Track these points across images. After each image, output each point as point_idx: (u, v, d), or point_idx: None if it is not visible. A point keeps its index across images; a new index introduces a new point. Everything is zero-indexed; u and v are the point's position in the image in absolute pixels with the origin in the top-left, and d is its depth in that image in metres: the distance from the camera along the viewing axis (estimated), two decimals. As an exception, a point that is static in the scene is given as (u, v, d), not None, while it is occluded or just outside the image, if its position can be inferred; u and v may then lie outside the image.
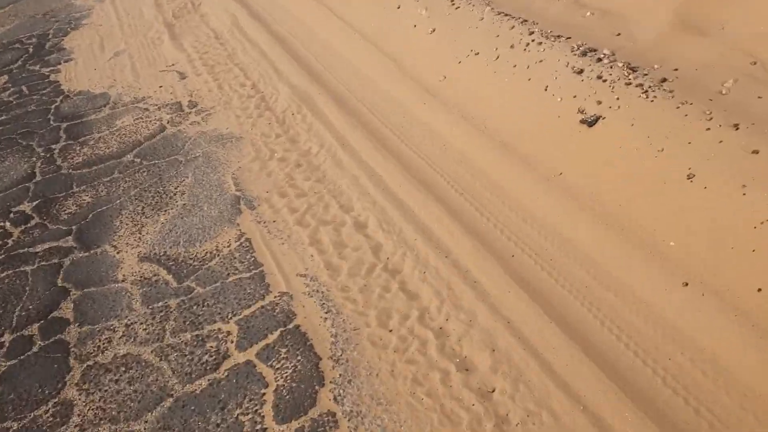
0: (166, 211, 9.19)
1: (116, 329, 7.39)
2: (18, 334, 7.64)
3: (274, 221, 8.47)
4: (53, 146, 11.66)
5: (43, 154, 11.42)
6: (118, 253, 8.56)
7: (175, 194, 9.51)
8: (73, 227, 9.29)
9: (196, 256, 8.23)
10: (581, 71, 7.91)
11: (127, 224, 9.07)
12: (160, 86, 13.07)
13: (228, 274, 7.84)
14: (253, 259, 7.99)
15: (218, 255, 8.17)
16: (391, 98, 10.31)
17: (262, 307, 7.26)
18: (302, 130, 10.34)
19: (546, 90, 8.17)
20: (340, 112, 10.50)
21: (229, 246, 8.27)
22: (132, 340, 7.21)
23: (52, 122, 12.63)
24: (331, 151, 9.61)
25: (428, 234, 7.59)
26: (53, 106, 13.29)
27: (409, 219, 7.87)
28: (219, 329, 7.07)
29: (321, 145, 9.81)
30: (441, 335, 6.37)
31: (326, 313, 6.94)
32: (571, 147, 7.40)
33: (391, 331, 6.51)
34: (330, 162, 9.38)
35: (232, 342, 6.91)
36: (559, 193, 7.28)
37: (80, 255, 8.71)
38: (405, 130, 9.52)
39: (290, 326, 6.91)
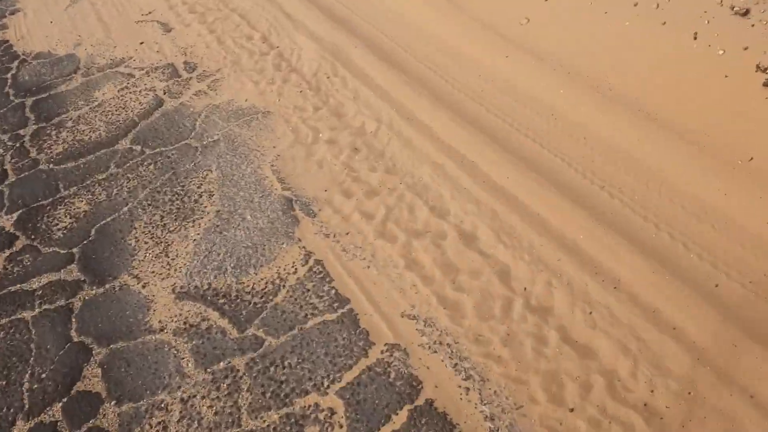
0: (194, 221, 7.13)
1: (170, 407, 5.55)
2: (36, 420, 5.77)
3: (347, 233, 6.52)
4: (21, 132, 9.39)
5: (10, 143, 9.14)
6: (143, 287, 6.57)
7: (200, 196, 7.43)
8: (75, 250, 7.22)
9: (253, 288, 6.30)
10: (747, 12, 6.00)
11: (145, 242, 7.03)
12: (141, 43, 10.67)
13: (305, 315, 5.95)
14: (333, 291, 6.09)
15: (283, 286, 6.25)
16: (455, 50, 8.31)
17: (369, 368, 5.43)
18: (346, 98, 8.23)
19: (696, 39, 6.19)
20: (390, 72, 8.42)
21: (295, 272, 6.33)
22: (196, 424, 5.39)
23: (12, 98, 10.25)
24: (394, 127, 7.57)
25: (574, 250, 5.75)
26: (9, 75, 10.88)
27: (538, 227, 6.00)
28: (316, 405, 5.27)
29: (377, 119, 7.76)
30: (652, 418, 4.64)
31: (466, 379, 5.14)
32: (758, 120, 5.49)
33: (572, 410, 4.76)
34: (397, 143, 7.37)
35: (341, 427, 5.10)
36: (754, 186, 5.42)
37: (93, 292, 6.74)
38: (488, 95, 7.52)
39: (419, 402, 5.12)
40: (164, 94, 9.41)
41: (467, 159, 6.97)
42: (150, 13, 11.73)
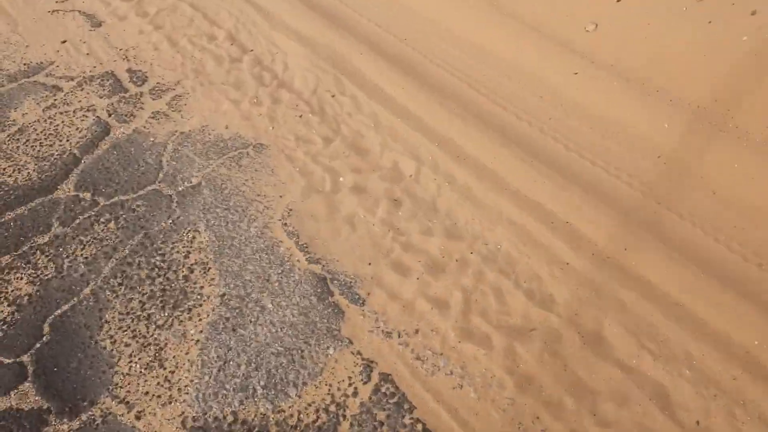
0: (190, 311, 5.20)
1: None
2: None
3: (416, 331, 4.78)
4: None
5: None
6: (138, 418, 4.69)
7: (191, 271, 5.49)
8: (25, 358, 5.13)
9: (299, 420, 4.56)
10: None
11: (126, 345, 5.11)
12: (63, 41, 8.31)
13: (386, 465, 4.20)
14: (420, 426, 4.45)
15: (344, 416, 4.52)
16: (501, 62, 6.64)
17: None
18: (363, 126, 6.37)
19: None
20: (416, 89, 6.64)
21: (355, 393, 4.61)
22: None
23: None
24: (440, 169, 5.82)
25: (753, 363, 4.43)
26: None
27: (690, 326, 4.51)
28: None
29: (415, 157, 5.95)
30: None
31: None
32: None
33: None
34: (451, 193, 5.62)
35: None
36: None
37: (66, 428, 4.77)
38: (561, 126, 5.87)
39: None
40: (109, 116, 7.16)
41: (558, 219, 5.29)
42: (67, -1, 9.22)
